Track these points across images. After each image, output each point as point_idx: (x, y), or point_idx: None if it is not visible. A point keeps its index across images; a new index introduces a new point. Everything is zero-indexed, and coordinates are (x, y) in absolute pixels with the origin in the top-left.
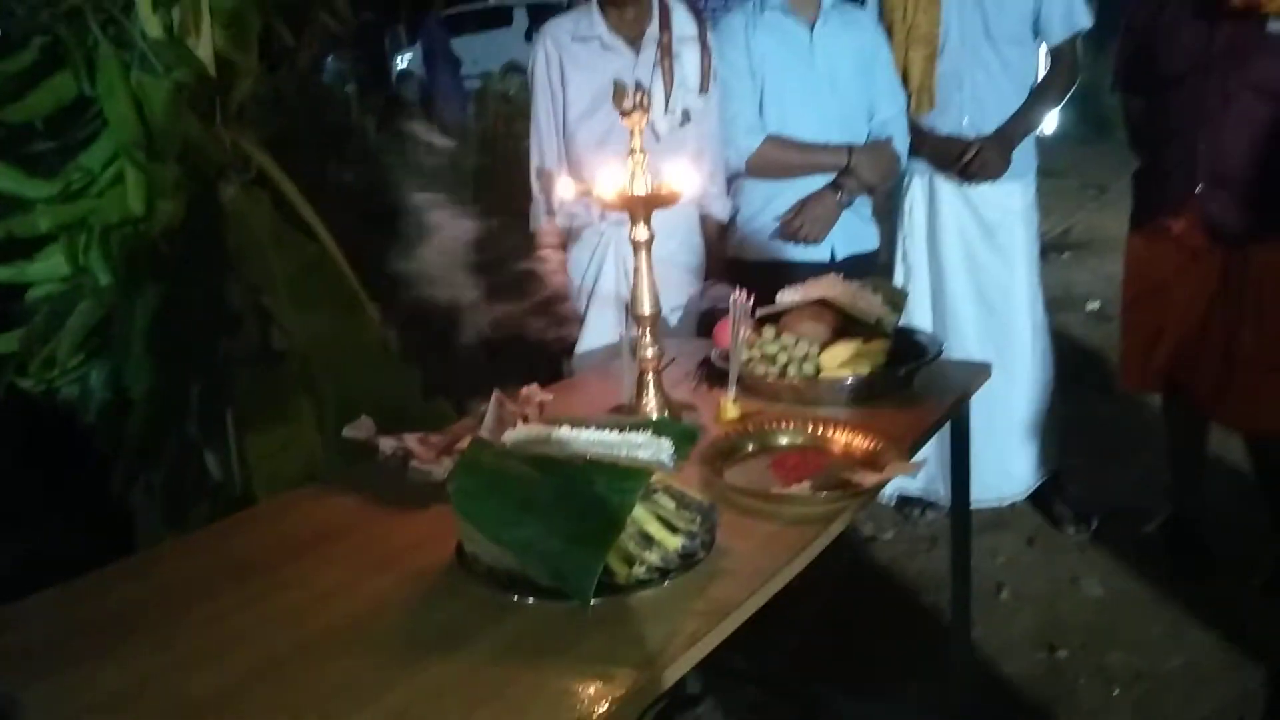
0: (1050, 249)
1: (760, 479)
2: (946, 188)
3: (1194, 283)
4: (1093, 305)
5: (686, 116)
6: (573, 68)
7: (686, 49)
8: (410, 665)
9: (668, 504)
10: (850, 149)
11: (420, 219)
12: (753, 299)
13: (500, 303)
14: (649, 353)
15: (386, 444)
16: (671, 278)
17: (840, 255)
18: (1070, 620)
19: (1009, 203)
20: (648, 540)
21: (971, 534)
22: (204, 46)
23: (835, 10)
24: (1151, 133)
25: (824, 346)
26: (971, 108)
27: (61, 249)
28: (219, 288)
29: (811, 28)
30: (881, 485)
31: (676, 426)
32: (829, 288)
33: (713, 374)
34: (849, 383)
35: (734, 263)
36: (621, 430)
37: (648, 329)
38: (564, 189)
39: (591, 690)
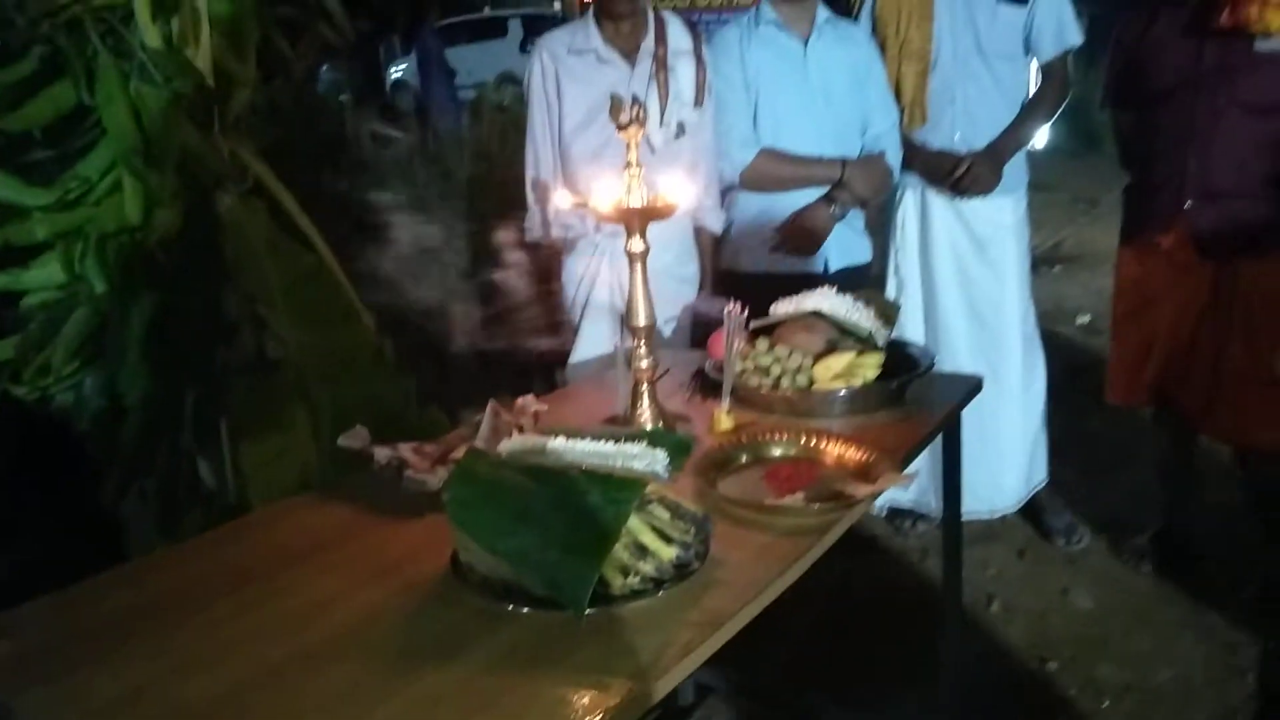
0: (1041, 263)
1: (754, 490)
2: (938, 202)
3: (1183, 297)
4: (1083, 319)
5: (681, 129)
6: (568, 80)
7: (682, 62)
8: (405, 674)
9: (662, 514)
10: (844, 163)
11: (414, 229)
12: (746, 311)
13: (495, 312)
14: (644, 364)
15: (381, 453)
16: (666, 289)
17: (833, 268)
18: (1061, 632)
19: (1000, 217)
20: (642, 551)
21: (963, 546)
22: (203, 56)
23: (829, 25)
24: (1141, 148)
25: (817, 359)
26: (963, 123)
27: (58, 257)
28: (215, 296)
29: (806, 42)
30: (874, 496)
31: (671, 437)
32: (822, 300)
33: (707, 385)
34: (842, 395)
35: (728, 274)
36: (616, 441)
37: (643, 340)
38: (560, 200)
39: (586, 700)
